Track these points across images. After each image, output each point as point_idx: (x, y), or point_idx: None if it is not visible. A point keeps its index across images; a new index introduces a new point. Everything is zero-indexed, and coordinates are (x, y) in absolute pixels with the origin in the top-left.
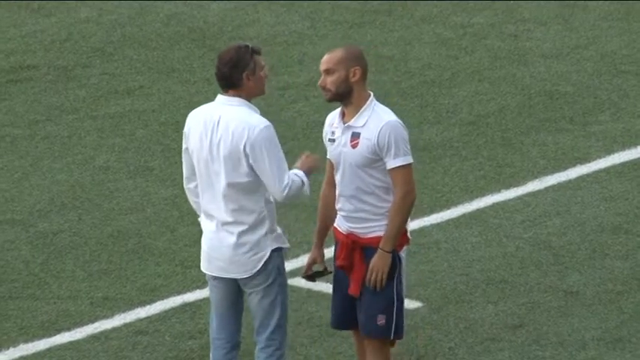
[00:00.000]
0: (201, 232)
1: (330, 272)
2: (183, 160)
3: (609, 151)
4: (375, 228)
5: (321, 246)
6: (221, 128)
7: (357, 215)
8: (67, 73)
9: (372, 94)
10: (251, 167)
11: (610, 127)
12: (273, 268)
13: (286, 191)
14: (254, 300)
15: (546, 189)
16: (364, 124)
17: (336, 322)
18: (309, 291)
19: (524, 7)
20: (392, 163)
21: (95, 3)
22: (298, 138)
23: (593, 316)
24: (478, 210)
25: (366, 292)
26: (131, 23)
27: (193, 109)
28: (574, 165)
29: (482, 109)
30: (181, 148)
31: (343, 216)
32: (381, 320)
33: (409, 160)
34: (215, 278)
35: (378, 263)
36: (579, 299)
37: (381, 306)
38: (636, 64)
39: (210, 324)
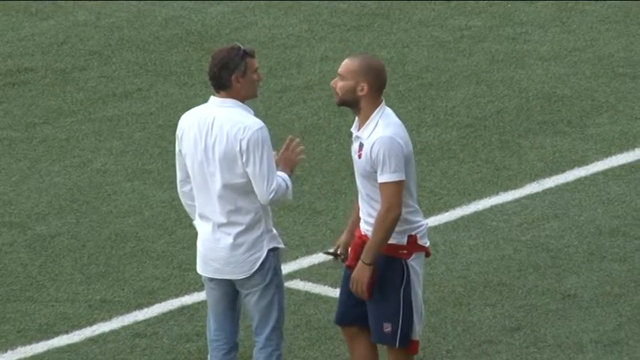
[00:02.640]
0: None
1: (341, 258)
2: (177, 163)
3: (607, 154)
4: None
5: (349, 232)
6: (215, 130)
7: (370, 219)
8: (65, 76)
9: (382, 102)
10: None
11: (608, 130)
12: (270, 269)
13: (272, 195)
14: (251, 301)
15: (544, 192)
16: (368, 137)
17: (340, 318)
18: (307, 293)
19: (522, 10)
20: (379, 178)
21: (93, 6)
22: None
23: (590, 319)
24: (476, 213)
25: (373, 298)
26: (129, 26)
27: None
28: (572, 168)
29: (479, 112)
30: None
31: (361, 217)
32: (387, 328)
33: (396, 177)
34: (212, 280)
35: (357, 275)
36: (577, 302)
37: (387, 313)
38: (634, 67)
39: (208, 326)
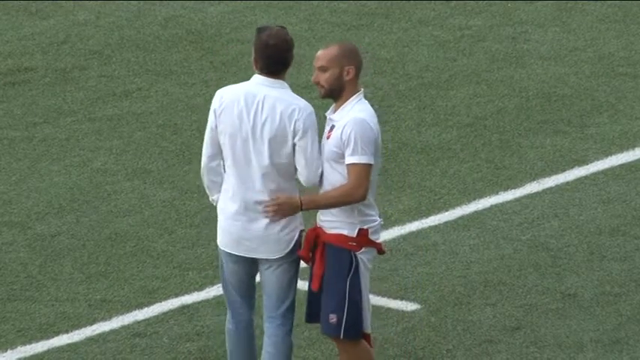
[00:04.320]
0: (198, 234)
1: None
2: (209, 137)
3: (607, 153)
4: (338, 224)
5: None
6: (267, 109)
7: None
8: (65, 76)
9: (361, 90)
10: (293, 148)
11: (607, 129)
12: (296, 246)
13: (318, 178)
14: (272, 277)
15: (544, 191)
16: (340, 119)
17: (307, 315)
18: (305, 293)
19: (522, 10)
20: (348, 159)
21: (93, 5)
22: None
23: (590, 318)
24: (476, 212)
25: (323, 290)
26: (129, 26)
27: (191, 111)
28: (572, 167)
29: (479, 112)
30: (179, 150)
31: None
32: (332, 319)
33: (365, 159)
34: (237, 260)
35: (289, 203)
36: (577, 301)
37: (333, 304)
38: (633, 66)
39: (229, 302)
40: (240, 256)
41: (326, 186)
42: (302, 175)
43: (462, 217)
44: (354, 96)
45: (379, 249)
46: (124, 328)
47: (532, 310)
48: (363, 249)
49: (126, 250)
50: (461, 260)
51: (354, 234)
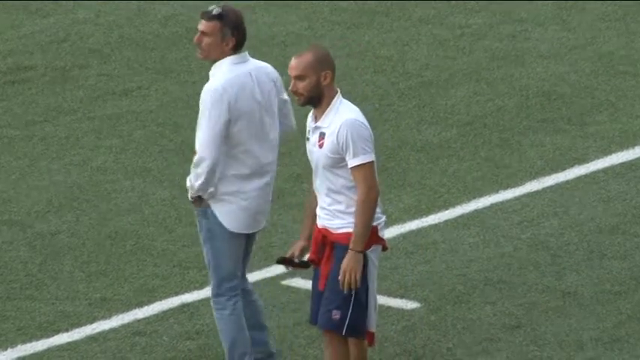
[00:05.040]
0: (198, 232)
1: (299, 264)
2: (221, 131)
3: (607, 152)
4: (343, 224)
5: (305, 238)
6: (262, 80)
7: (329, 212)
8: (65, 74)
9: (338, 91)
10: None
11: (607, 128)
12: None
13: (295, 125)
14: (252, 245)
15: (544, 189)
16: (329, 124)
17: (312, 317)
18: (307, 292)
19: (522, 8)
20: (351, 161)
21: (93, 4)
22: (297, 139)
23: (590, 317)
24: (476, 211)
25: (327, 286)
26: (129, 24)
27: (191, 110)
28: (572, 165)
29: (479, 110)
30: (178, 148)
31: (318, 212)
32: (335, 315)
33: (368, 158)
34: (244, 236)
35: (349, 264)
36: (577, 299)
37: (338, 301)
38: (633, 65)
39: (230, 278)
40: (243, 234)
41: (332, 195)
42: (288, 126)
43: (462, 216)
44: (335, 99)
45: (384, 245)
46: (124, 326)
47: (532, 309)
48: (372, 247)
49: (126, 248)
50: (461, 259)
51: None
